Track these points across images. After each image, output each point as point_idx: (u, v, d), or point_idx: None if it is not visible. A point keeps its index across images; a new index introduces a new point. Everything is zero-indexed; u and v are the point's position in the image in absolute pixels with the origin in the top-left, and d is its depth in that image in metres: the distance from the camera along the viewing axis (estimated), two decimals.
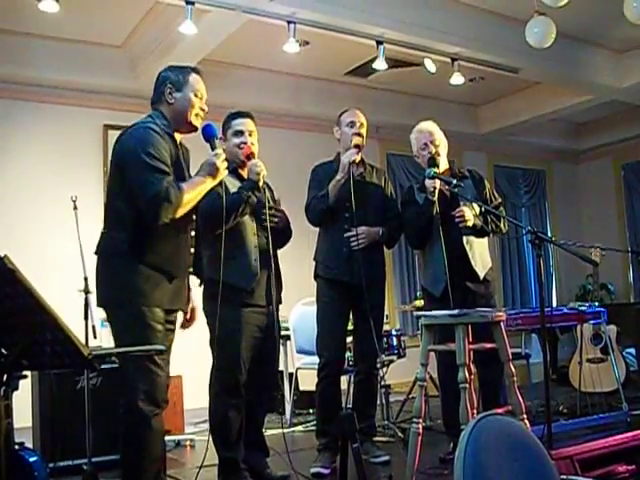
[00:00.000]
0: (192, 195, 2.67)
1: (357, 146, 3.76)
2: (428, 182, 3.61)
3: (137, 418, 2.59)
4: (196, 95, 2.80)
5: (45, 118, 5.56)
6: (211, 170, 2.74)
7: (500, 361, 3.16)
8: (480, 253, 3.77)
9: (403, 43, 5.26)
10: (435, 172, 3.54)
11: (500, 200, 3.97)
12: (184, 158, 2.86)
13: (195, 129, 2.83)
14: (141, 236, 2.64)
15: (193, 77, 2.82)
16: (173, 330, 2.84)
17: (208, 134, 2.86)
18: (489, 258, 3.87)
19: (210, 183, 2.76)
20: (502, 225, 3.79)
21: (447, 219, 3.61)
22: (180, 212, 2.62)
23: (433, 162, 3.66)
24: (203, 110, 2.83)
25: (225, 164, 2.78)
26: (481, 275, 3.74)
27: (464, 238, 3.70)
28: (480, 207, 3.66)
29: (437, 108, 6.98)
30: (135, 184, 2.62)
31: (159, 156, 2.62)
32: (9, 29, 5.13)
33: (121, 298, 2.64)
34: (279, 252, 3.52)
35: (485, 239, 3.85)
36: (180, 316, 2.91)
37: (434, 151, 3.73)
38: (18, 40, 5.22)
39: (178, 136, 2.84)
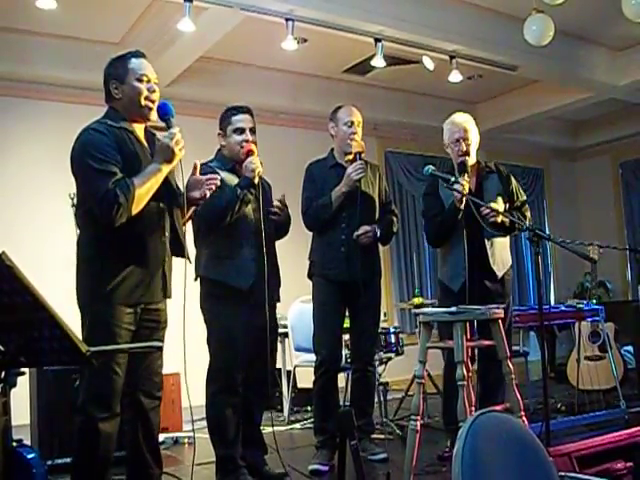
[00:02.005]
0: (146, 188, 2.55)
1: (359, 154, 3.75)
2: (456, 193, 3.54)
3: (85, 421, 2.53)
4: (140, 80, 2.67)
5: (43, 115, 5.54)
6: (166, 155, 2.61)
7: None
8: (500, 253, 3.74)
9: (401, 40, 5.25)
10: (432, 170, 3.52)
11: (525, 198, 3.95)
12: (149, 146, 2.73)
13: (150, 114, 2.70)
14: (101, 236, 2.57)
15: (133, 62, 2.69)
16: (157, 328, 2.72)
17: (163, 112, 2.70)
18: (509, 257, 3.84)
19: (166, 169, 2.63)
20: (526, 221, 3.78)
21: (470, 216, 3.56)
22: (136, 208, 2.53)
23: (464, 167, 3.64)
24: (153, 91, 2.70)
25: (181, 144, 2.63)
26: (499, 274, 3.71)
27: (486, 238, 3.68)
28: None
29: (435, 106, 6.96)
30: (86, 192, 2.61)
31: (104, 157, 2.53)
32: (6, 26, 5.11)
33: (85, 302, 2.59)
34: (277, 250, 3.51)
35: (506, 238, 3.82)
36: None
37: (465, 150, 3.71)
38: (16, 37, 5.20)
39: (140, 126, 2.75)
